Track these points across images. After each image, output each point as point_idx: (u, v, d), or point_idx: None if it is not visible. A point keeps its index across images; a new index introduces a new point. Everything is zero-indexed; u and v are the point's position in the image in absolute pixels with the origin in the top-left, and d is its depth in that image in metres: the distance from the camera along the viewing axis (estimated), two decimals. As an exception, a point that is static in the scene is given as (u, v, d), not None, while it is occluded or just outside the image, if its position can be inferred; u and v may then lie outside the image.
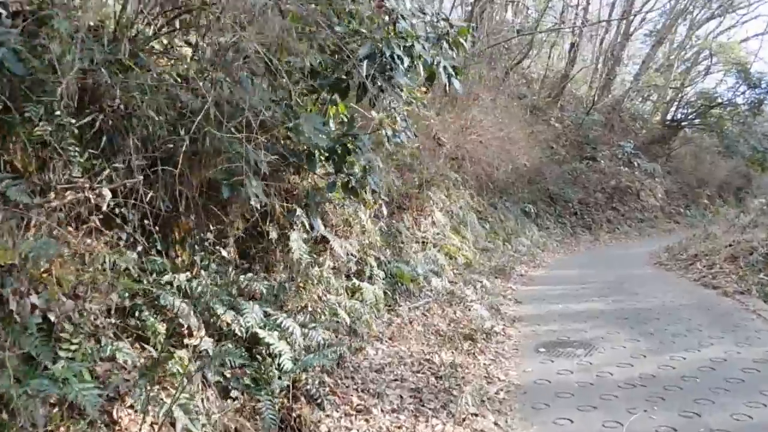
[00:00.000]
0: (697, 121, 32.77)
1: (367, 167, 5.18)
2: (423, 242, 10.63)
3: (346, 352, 4.72)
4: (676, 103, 33.04)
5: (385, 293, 6.68)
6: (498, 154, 14.46)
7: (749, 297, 8.61)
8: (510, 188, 19.26)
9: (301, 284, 4.81)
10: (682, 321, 7.42)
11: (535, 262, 14.04)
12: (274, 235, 4.83)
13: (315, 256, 5.23)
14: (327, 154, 4.71)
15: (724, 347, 6.23)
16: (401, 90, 5.00)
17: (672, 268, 12.01)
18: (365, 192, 6.81)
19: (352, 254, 5.91)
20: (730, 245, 11.46)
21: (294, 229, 4.87)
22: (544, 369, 5.72)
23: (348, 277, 6.31)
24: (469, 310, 7.21)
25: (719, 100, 31.77)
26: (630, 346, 6.38)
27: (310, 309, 4.65)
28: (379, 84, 4.59)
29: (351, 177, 4.89)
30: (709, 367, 5.68)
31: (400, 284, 6.86)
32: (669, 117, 32.84)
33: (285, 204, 4.90)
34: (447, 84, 4.88)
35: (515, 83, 21.35)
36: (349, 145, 4.62)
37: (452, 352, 5.66)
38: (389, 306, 6.50)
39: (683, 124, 33.22)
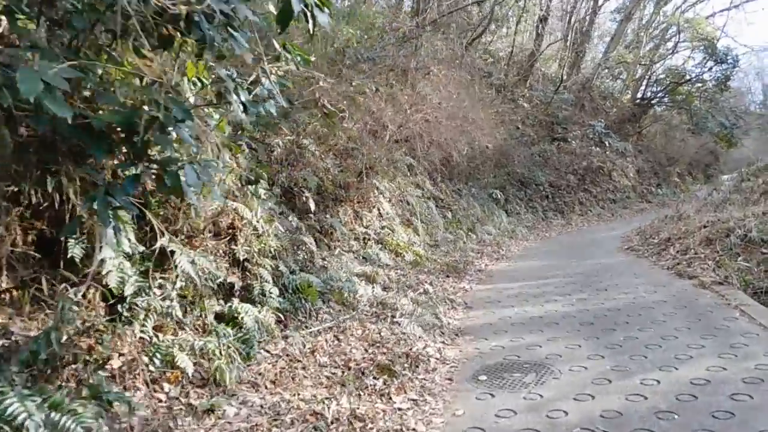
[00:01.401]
0: (666, 98, 31.52)
1: (197, 153, 3.62)
2: (364, 239, 9.12)
3: None
4: (645, 81, 31.74)
5: (284, 313, 5.15)
6: (456, 135, 12.93)
7: (729, 288, 7.20)
8: (476, 173, 17.77)
9: (104, 328, 3.26)
10: (656, 324, 5.98)
11: (499, 253, 12.57)
12: (76, 252, 3.28)
13: (151, 278, 3.68)
14: (126, 134, 3.09)
15: (706, 362, 4.79)
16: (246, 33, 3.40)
17: (644, 254, 10.59)
18: (252, 188, 5.28)
19: (208, 270, 4.35)
20: (705, 226, 10.05)
21: (103, 244, 3.31)
22: (481, 410, 4.23)
23: (227, 297, 4.78)
24: (399, 326, 5.70)
25: (687, 77, 30.52)
26: (593, 367, 4.92)
27: (113, 366, 3.12)
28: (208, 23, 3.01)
29: (162, 167, 3.19)
30: (689, 394, 4.23)
31: (304, 301, 5.33)
32: (639, 95, 31.52)
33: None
34: (308, 20, 3.29)
35: (481, 60, 19.77)
36: (160, 117, 2.99)
37: (358, 396, 4.15)
38: (284, 332, 4.97)
39: (653, 101, 31.93)
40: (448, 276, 8.85)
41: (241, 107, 3.84)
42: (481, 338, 5.98)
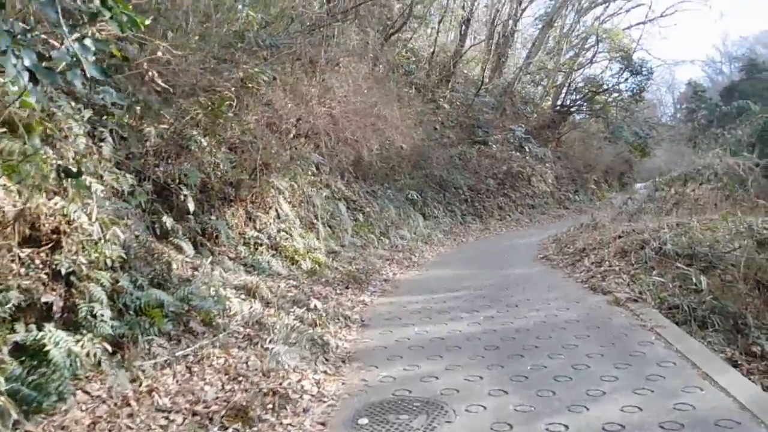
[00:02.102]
0: (584, 106, 32.30)
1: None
2: (255, 244, 8.12)
3: None
4: (565, 89, 32.37)
5: (121, 340, 4.11)
6: (368, 133, 12.14)
7: (644, 305, 6.76)
8: (393, 174, 17.08)
9: None
10: (567, 349, 5.38)
11: (410, 260, 11.88)
12: None
13: None
14: None
15: (620, 399, 4.18)
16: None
17: (558, 265, 10.19)
18: (75, 182, 4.22)
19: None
20: (620, 237, 9.78)
21: None
22: (351, 469, 3.41)
23: (46, 321, 3.70)
24: (272, 353, 4.77)
25: (605, 87, 31.39)
26: (493, 406, 4.19)
27: None
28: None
29: None
30: (602, 443, 3.60)
31: (149, 325, 4.29)
32: (559, 102, 32.09)
33: None
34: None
35: (401, 57, 19.10)
36: None
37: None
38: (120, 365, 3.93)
39: (572, 109, 32.64)
40: (347, 287, 7.99)
41: (26, 75, 2.80)
42: (371, 366, 5.16)
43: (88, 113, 6.57)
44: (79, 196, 4.35)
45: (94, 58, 3.08)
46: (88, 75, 3.01)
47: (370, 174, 15.56)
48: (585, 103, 31.74)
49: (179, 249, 7.07)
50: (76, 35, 3.00)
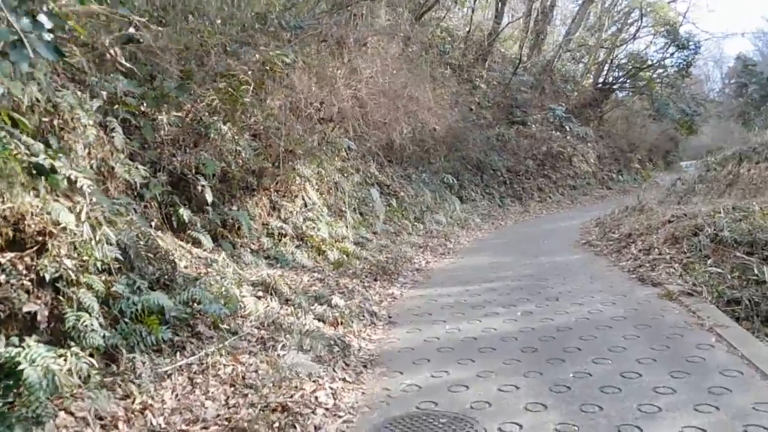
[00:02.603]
0: (627, 84, 30.72)
1: None
2: (279, 235, 7.66)
3: None
4: (607, 66, 30.84)
5: (113, 351, 3.68)
6: (400, 115, 11.52)
7: (700, 300, 6.00)
8: (429, 157, 16.43)
9: None
10: (615, 353, 4.71)
11: (446, 247, 11.27)
12: None
13: None
14: None
15: (680, 418, 3.52)
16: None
17: (602, 252, 9.41)
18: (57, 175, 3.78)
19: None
20: (669, 221, 8.92)
21: None
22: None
23: (29, 332, 3.30)
24: (286, 358, 4.29)
25: (649, 62, 29.75)
26: (530, 425, 3.60)
27: None
28: None
29: None
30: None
31: (145, 334, 3.85)
32: (600, 80, 30.61)
33: None
34: None
35: (436, 37, 18.27)
36: None
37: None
38: (112, 379, 3.51)
39: (614, 87, 31.11)
40: (376, 279, 7.46)
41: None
42: (395, 371, 4.62)
43: (97, 102, 6.21)
44: (71, 192, 3.93)
45: (50, 36, 2.59)
46: (43, 56, 2.52)
47: (404, 157, 14.95)
48: (628, 80, 30.18)
49: (197, 242, 6.69)
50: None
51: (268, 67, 8.33)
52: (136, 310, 3.93)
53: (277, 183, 8.40)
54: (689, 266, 7.07)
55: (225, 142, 7.81)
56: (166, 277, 4.66)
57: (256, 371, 4.17)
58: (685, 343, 4.82)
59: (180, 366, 4.03)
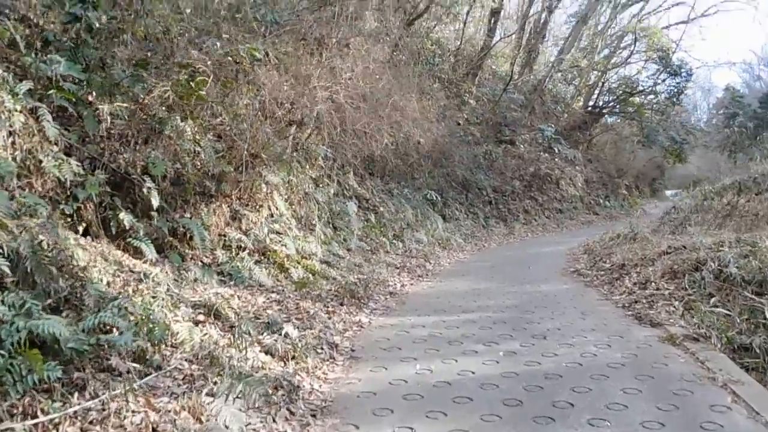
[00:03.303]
0: (617, 108, 30.41)
1: None
2: (238, 248, 6.82)
3: None
4: (598, 89, 30.54)
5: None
6: (382, 125, 10.77)
7: (707, 347, 5.26)
8: (412, 172, 15.72)
9: None
10: (614, 412, 3.93)
11: (424, 268, 10.49)
12: None
13: None
14: None
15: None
16: None
17: (593, 282, 8.69)
18: None
19: None
20: (666, 253, 8.26)
21: None
22: None
23: None
24: (208, 406, 3.45)
25: (640, 88, 29.49)
26: None
27: None
28: None
29: None
30: None
31: (25, 372, 2.99)
32: (591, 103, 30.30)
33: None
34: None
35: (424, 48, 17.63)
36: None
37: None
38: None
39: (604, 111, 30.79)
40: (342, 303, 6.63)
41: None
42: (350, 425, 3.79)
43: (27, 85, 5.36)
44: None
45: None
46: None
47: (387, 171, 14.20)
48: (618, 105, 29.86)
49: (139, 252, 5.84)
50: None
51: (237, 62, 7.56)
52: (20, 339, 3.07)
53: (240, 190, 7.58)
54: (691, 305, 6.35)
55: (183, 141, 7.00)
56: (75, 295, 3.80)
57: (173, 422, 3.32)
58: (696, 403, 4.06)
59: (75, 412, 3.18)
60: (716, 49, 78.59)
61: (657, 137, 28.03)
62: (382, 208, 12.83)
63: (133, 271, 4.99)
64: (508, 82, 21.66)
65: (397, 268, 9.71)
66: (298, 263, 7.54)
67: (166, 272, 5.72)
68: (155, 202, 5.99)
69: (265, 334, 4.87)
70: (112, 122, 6.36)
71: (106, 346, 3.49)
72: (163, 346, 4.11)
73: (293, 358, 4.65)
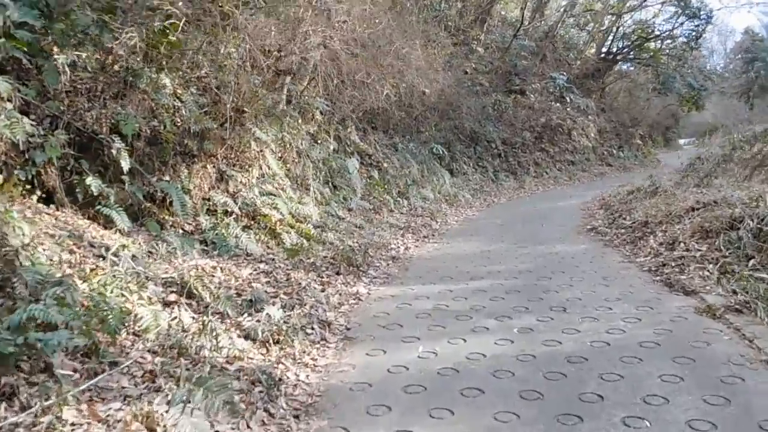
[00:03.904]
0: (632, 54, 28.93)
1: None
2: (225, 213, 6.15)
3: None
4: (612, 35, 28.97)
5: None
6: (384, 75, 9.90)
7: (753, 321, 4.56)
8: (418, 125, 14.86)
9: None
10: (652, 408, 3.26)
11: (430, 227, 9.81)
12: None
13: None
14: None
15: None
16: None
17: (613, 242, 7.98)
18: None
19: None
20: (693, 209, 7.49)
21: None
22: None
23: None
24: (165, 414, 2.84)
25: (656, 33, 27.95)
26: None
27: None
28: None
29: None
30: None
31: None
32: (604, 49, 28.80)
33: None
34: None
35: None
36: None
37: None
38: None
39: (618, 57, 29.31)
40: (338, 272, 5.98)
41: None
42: (339, 428, 3.19)
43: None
44: None
45: None
46: None
47: (391, 124, 13.37)
48: (633, 51, 28.40)
49: (110, 221, 5.20)
50: None
51: (217, 3, 6.71)
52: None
53: (226, 148, 6.85)
54: (727, 268, 5.65)
55: (160, 95, 6.24)
56: (10, 283, 3.15)
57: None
58: (750, 394, 3.40)
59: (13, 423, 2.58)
60: (734, -10, 74.70)
61: (673, 84, 26.70)
62: (385, 164, 12.08)
63: (94, 245, 4.34)
64: (518, 28, 20.43)
65: (401, 229, 9.04)
66: (292, 227, 6.88)
67: (140, 243, 5.07)
68: (125, 164, 5.29)
69: (245, 315, 4.24)
70: (77, 75, 5.62)
71: (38, 346, 2.85)
72: (123, 335, 3.49)
73: (277, 342, 4.03)
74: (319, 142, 9.63)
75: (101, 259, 4.19)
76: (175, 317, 3.88)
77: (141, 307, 3.77)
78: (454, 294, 5.68)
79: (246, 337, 3.97)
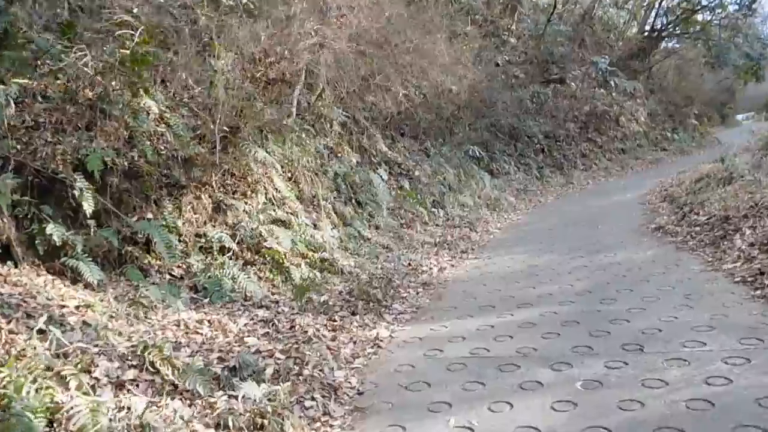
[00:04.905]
0: (678, 29, 26.91)
1: None
2: (220, 250, 5.26)
3: None
4: (654, 11, 27.04)
5: None
6: (404, 75, 8.89)
7: None
8: (450, 126, 13.78)
9: None
10: None
11: (469, 239, 8.71)
12: None
13: None
14: None
15: None
16: None
17: (687, 243, 6.66)
18: None
19: None
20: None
21: None
22: None
23: None
24: None
25: (704, 3, 25.87)
26: None
27: None
28: None
29: None
30: None
31: None
32: (647, 27, 26.90)
33: None
34: None
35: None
36: None
37: None
38: None
39: (663, 34, 27.33)
40: (354, 313, 4.97)
41: None
42: None
43: None
44: None
45: None
46: None
47: (421, 129, 12.35)
48: (679, 26, 26.39)
49: (78, 274, 4.38)
50: None
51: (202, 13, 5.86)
52: None
53: (222, 174, 5.98)
54: None
55: (140, 121, 5.43)
56: None
57: None
58: None
59: None
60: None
61: (728, 56, 24.55)
62: (417, 172, 11.04)
63: (33, 316, 3.48)
64: (551, 12, 19.06)
65: (435, 246, 7.97)
66: (304, 257, 5.93)
67: (109, 301, 4.21)
68: (88, 206, 4.46)
69: (222, 391, 3.27)
70: (31, 106, 4.86)
71: None
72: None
73: (260, 429, 3.05)
74: (339, 155, 8.70)
75: (40, 333, 3.32)
76: (124, 406, 2.96)
77: (78, 398, 2.87)
78: (497, 331, 4.57)
79: (217, 427, 3.00)
